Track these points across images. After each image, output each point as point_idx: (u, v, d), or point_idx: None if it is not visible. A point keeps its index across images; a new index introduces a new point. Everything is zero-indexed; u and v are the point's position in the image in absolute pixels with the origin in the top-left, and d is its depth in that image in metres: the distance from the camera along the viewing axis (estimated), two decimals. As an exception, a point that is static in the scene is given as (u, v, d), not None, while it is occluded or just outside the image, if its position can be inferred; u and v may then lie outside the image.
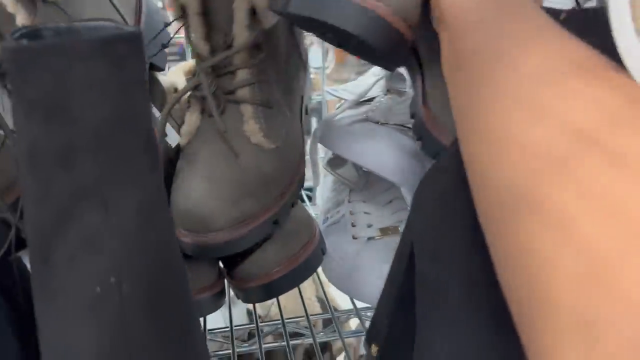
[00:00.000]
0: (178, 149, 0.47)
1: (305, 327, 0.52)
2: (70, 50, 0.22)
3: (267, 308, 0.69)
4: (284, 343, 0.48)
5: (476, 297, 0.30)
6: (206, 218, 0.40)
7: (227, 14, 0.42)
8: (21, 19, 0.39)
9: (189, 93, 0.45)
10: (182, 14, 0.42)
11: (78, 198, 0.23)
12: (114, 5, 0.49)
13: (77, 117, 0.23)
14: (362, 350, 0.73)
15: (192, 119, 0.45)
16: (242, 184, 0.42)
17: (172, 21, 0.43)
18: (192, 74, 0.61)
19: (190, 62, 0.62)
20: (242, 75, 0.43)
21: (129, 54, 0.24)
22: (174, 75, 0.61)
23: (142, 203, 0.25)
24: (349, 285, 0.51)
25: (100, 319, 0.24)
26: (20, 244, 0.29)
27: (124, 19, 0.50)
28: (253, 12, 0.43)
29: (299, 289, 0.52)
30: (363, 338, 0.71)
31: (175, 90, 0.58)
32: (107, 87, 0.23)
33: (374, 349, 0.38)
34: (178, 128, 0.49)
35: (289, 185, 0.46)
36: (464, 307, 0.30)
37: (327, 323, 0.64)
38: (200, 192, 0.41)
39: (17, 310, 0.29)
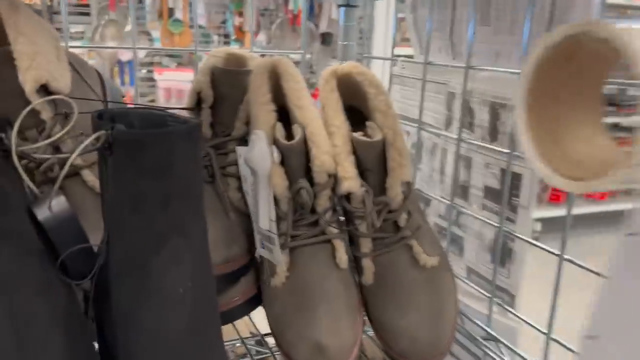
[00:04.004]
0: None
1: (259, 345, 0.64)
2: (172, 135, 0.35)
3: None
4: (248, 359, 0.59)
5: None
6: None
7: (230, 112, 0.57)
8: (46, 113, 0.49)
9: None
10: (197, 104, 0.56)
11: (171, 228, 0.36)
12: (91, 88, 0.61)
13: (174, 176, 0.35)
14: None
15: None
16: (231, 232, 0.55)
17: (184, 108, 0.57)
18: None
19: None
20: (233, 156, 0.58)
21: (198, 135, 0.38)
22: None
23: (204, 231, 0.38)
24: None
25: (183, 310, 0.36)
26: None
27: (96, 93, 0.62)
28: None
29: (249, 316, 0.65)
30: None
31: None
32: (191, 156, 0.36)
33: None
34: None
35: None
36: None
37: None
38: None
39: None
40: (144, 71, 3.13)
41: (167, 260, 0.36)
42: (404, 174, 0.51)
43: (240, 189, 0.59)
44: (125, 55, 2.89)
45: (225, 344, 0.67)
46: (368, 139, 0.51)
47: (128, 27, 2.96)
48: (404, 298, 0.53)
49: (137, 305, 0.36)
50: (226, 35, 3.35)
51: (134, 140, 0.35)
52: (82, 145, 0.35)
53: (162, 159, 0.35)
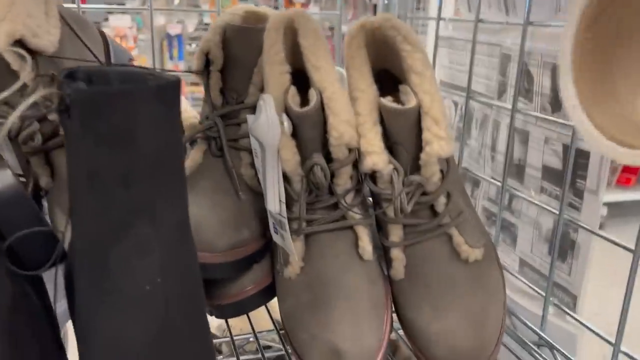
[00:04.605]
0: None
1: (270, 342, 0.58)
2: (136, 95, 0.28)
3: (224, 332, 0.73)
4: (258, 355, 0.53)
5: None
6: (210, 238, 0.46)
7: (244, 76, 0.50)
8: (26, 75, 0.43)
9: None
10: (206, 66, 0.49)
11: (134, 213, 0.29)
12: (88, 48, 0.55)
13: (138, 147, 0.28)
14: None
15: (196, 156, 0.51)
16: (241, 214, 0.48)
17: (190, 72, 0.50)
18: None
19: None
20: (246, 128, 0.51)
21: (174, 97, 0.30)
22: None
23: (179, 216, 0.31)
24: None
25: (149, 311, 0.29)
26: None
27: (94, 55, 0.56)
28: None
29: (266, 308, 0.58)
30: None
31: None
32: (161, 122, 0.29)
33: None
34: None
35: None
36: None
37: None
38: (205, 215, 0.47)
39: (51, 316, 0.33)
40: (193, 45, 3.10)
41: (130, 251, 0.29)
42: (442, 149, 0.42)
43: (253, 164, 0.52)
44: (174, 29, 2.87)
45: (237, 338, 0.60)
46: (398, 106, 0.42)
47: (177, 1, 2.93)
48: (440, 297, 0.45)
49: (95, 306, 0.29)
50: (276, 8, 3.28)
51: (87, 101, 0.28)
52: (22, 106, 0.28)
53: (121, 125, 0.28)
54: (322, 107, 0.43)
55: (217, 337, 0.65)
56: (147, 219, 0.29)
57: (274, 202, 0.43)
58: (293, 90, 0.44)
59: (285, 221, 0.44)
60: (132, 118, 0.28)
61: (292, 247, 0.45)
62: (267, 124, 0.41)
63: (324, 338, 0.43)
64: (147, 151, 0.28)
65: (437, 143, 0.42)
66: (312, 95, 0.43)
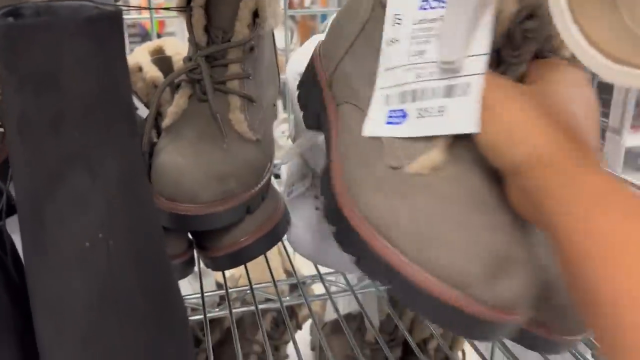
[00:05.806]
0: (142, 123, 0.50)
1: (273, 294, 0.56)
2: (58, 28, 0.24)
3: (235, 281, 0.72)
4: (253, 308, 0.51)
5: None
6: (192, 189, 0.43)
7: (230, 12, 0.46)
8: None
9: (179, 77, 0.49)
10: (187, 3, 0.46)
11: (67, 162, 0.26)
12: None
13: (65, 89, 0.25)
14: (327, 317, 0.77)
15: (180, 102, 0.48)
16: (227, 164, 0.45)
17: (168, 8, 0.46)
18: (157, 54, 0.63)
19: (155, 42, 0.63)
20: (234, 69, 0.47)
21: (111, 32, 0.27)
22: (139, 55, 0.62)
23: (124, 167, 0.28)
24: (313, 252, 0.55)
25: (90, 270, 0.27)
26: (8, 210, 0.31)
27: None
28: (255, 14, 0.47)
29: (266, 258, 0.55)
30: (327, 303, 0.75)
31: (140, 69, 0.60)
32: (92, 61, 0.26)
33: None
34: (143, 104, 0.53)
35: (264, 175, 0.50)
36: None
37: (292, 290, 0.68)
38: (189, 164, 0.44)
39: (8, 274, 0.31)
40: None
41: (65, 205, 0.26)
42: None
43: (243, 109, 0.48)
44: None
45: (240, 289, 0.58)
46: None
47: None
48: None
49: (35, 262, 0.27)
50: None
51: (3, 36, 0.25)
52: None
53: (43, 63, 0.25)
54: None
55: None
56: (82, 170, 0.26)
57: (456, 48, 0.30)
58: None
59: (473, 79, 0.30)
60: (55, 55, 0.25)
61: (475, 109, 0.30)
62: None
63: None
64: (76, 93, 0.25)
65: None
66: None
